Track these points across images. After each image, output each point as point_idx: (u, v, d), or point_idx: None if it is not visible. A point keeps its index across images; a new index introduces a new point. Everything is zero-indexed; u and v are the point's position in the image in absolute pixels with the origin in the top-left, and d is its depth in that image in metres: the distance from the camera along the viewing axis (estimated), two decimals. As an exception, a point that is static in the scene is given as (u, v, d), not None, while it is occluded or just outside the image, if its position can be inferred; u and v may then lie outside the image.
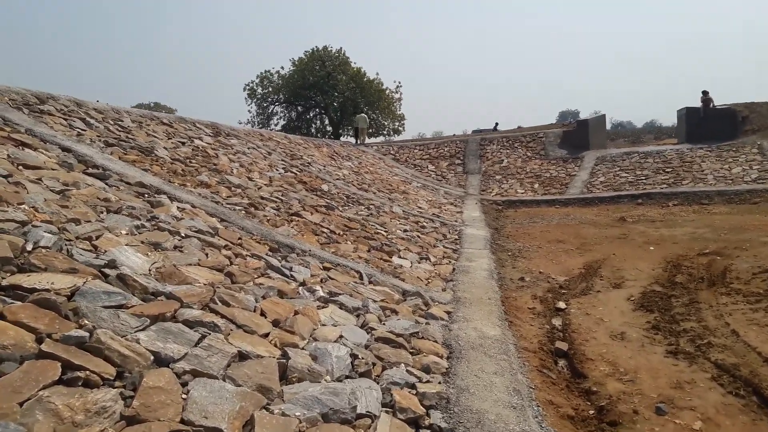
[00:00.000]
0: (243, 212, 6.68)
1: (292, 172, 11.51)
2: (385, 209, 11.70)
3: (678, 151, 20.44)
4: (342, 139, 38.33)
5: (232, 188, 7.71)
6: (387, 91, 45.84)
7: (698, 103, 22.14)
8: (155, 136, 8.84)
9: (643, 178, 19.06)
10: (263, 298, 4.23)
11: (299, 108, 47.63)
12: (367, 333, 4.31)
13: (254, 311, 3.96)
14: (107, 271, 3.50)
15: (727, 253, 8.90)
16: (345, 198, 11.15)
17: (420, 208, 14.15)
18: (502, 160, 23.02)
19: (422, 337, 4.60)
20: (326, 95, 44.46)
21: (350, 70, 44.99)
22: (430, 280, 6.88)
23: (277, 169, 11.02)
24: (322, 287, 4.94)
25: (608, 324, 6.02)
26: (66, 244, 3.70)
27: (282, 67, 46.90)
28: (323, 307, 4.49)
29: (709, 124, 21.18)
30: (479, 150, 24.17)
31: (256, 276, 4.65)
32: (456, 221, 13.29)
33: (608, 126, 33.68)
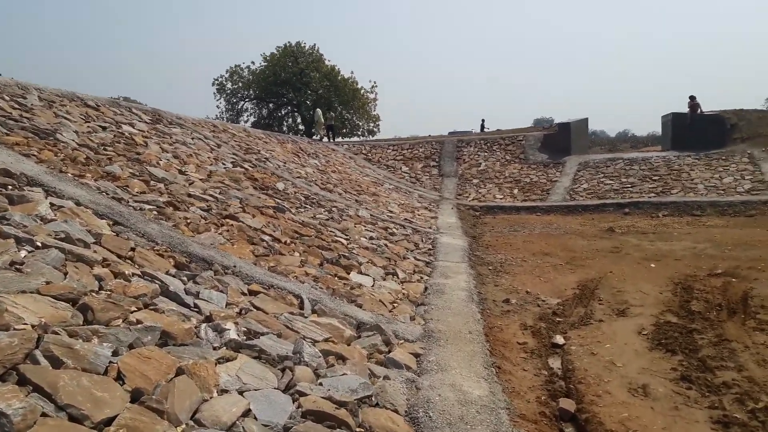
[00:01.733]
0: (155, 212, 5.15)
1: (242, 167, 9.97)
2: (350, 212, 10.23)
3: (665, 158, 19.40)
4: (315, 138, 36.74)
5: (151, 182, 6.16)
6: (362, 91, 44.49)
7: (683, 110, 21.18)
8: (67, 119, 7.22)
9: (629, 185, 17.95)
10: (131, 347, 2.72)
11: (270, 105, 46.04)
12: (293, 401, 2.84)
13: (105, 373, 2.46)
14: None
15: (742, 274, 7.65)
16: (303, 198, 9.65)
17: (391, 212, 12.71)
18: (480, 164, 21.73)
19: (377, 404, 3.13)
20: (299, 93, 42.90)
21: (324, 67, 43.54)
22: (395, 305, 5.43)
23: (223, 163, 9.46)
24: (237, 324, 3.44)
25: (623, 370, 4.64)
26: None
27: (252, 62, 45.19)
28: (229, 360, 3.00)
29: (696, 130, 20.19)
30: (456, 152, 22.85)
31: (134, 308, 3.13)
32: (430, 228, 11.88)
33: (586, 132, 32.68)
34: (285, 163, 13.17)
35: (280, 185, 9.87)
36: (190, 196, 6.30)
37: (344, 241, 7.44)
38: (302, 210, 8.57)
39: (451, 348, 4.39)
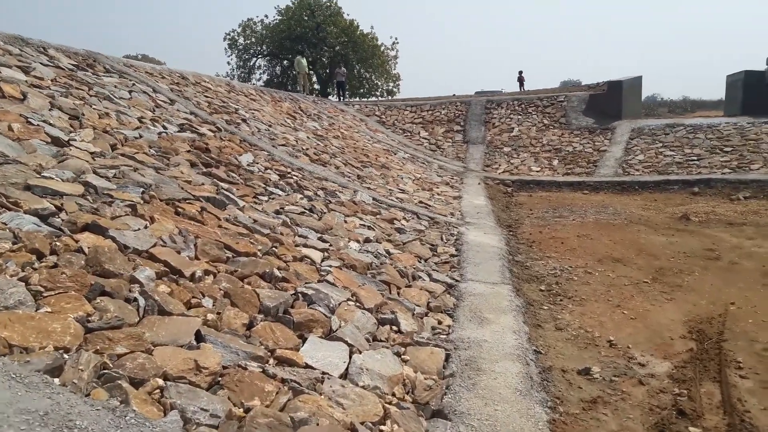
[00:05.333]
0: None
1: (196, 131, 7.15)
2: (344, 197, 7.40)
3: (736, 125, 16.04)
4: (332, 99, 33.55)
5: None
6: (382, 48, 41.27)
7: (761, 67, 17.69)
8: None
9: (695, 158, 14.75)
10: None
11: (285, 62, 42.94)
12: None
13: None
14: None
15: None
16: (275, 179, 6.82)
17: (402, 191, 9.84)
18: (513, 128, 18.53)
19: None
20: (314, 49, 39.73)
21: (342, 22, 40.31)
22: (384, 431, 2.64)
23: (164, 126, 6.66)
24: None
25: None
26: None
27: (266, 15, 42.06)
28: None
29: (774, 92, 16.76)
30: (484, 114, 19.62)
31: None
32: (452, 215, 9.00)
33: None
34: (270, 126, 10.30)
35: (246, 158, 7.05)
36: (27, 188, 3.51)
37: (317, 257, 4.62)
38: (264, 199, 5.75)
39: None
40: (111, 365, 2.34)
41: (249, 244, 4.19)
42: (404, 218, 7.60)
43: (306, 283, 3.97)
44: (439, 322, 4.29)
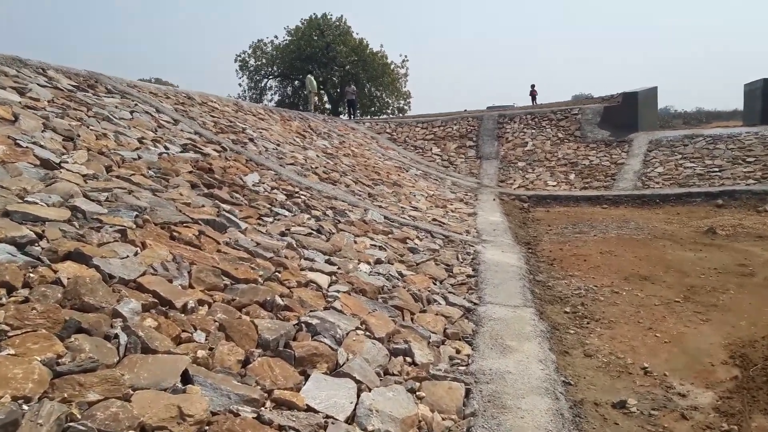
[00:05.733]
0: None
1: (200, 151, 6.91)
2: (353, 216, 7.09)
3: (759, 135, 15.55)
4: (343, 117, 33.42)
5: None
6: (392, 66, 41.27)
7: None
8: None
9: (716, 169, 14.28)
10: None
11: (296, 83, 43.06)
12: None
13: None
14: None
15: None
16: (282, 198, 6.54)
17: (415, 208, 9.52)
18: (526, 143, 18.18)
19: None
20: (325, 68, 39.81)
21: (351, 41, 40.44)
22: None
23: (166, 147, 6.42)
24: None
25: None
26: None
27: (276, 36, 42.35)
28: None
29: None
30: (497, 129, 19.30)
31: None
32: (468, 232, 8.65)
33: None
34: (278, 145, 10.07)
35: (252, 178, 6.78)
36: (6, 214, 3.24)
37: (323, 282, 4.30)
38: (269, 220, 5.45)
39: None
40: (79, 416, 2.02)
41: (249, 269, 3.88)
42: (417, 237, 7.26)
43: (311, 311, 3.65)
44: (458, 351, 3.93)
